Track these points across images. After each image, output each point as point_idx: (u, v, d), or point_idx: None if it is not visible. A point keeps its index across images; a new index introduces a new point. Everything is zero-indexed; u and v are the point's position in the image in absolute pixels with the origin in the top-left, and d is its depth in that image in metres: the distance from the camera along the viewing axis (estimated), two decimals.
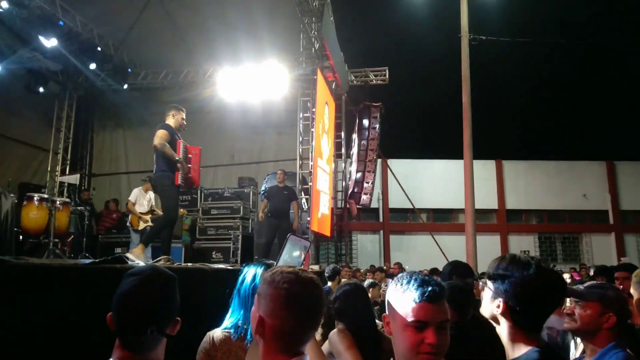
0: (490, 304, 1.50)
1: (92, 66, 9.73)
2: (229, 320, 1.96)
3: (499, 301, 1.46)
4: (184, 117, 5.62)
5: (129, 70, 10.75)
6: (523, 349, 1.41)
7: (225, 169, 12.06)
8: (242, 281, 1.98)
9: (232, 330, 1.92)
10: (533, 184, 19.76)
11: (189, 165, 5.43)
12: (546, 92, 23.91)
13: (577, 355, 2.55)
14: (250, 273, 1.98)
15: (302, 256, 1.80)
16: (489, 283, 1.52)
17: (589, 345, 1.92)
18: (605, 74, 22.81)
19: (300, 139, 10.20)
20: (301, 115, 10.20)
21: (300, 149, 10.17)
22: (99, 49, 9.75)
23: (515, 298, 1.43)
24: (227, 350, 1.87)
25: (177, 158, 5.22)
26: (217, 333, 1.94)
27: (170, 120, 5.50)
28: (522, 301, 1.42)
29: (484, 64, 15.67)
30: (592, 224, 19.73)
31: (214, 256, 9.68)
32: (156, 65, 11.21)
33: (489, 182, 19.41)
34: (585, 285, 2.05)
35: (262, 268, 1.95)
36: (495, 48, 14.15)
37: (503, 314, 1.45)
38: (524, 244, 19.37)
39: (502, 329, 1.47)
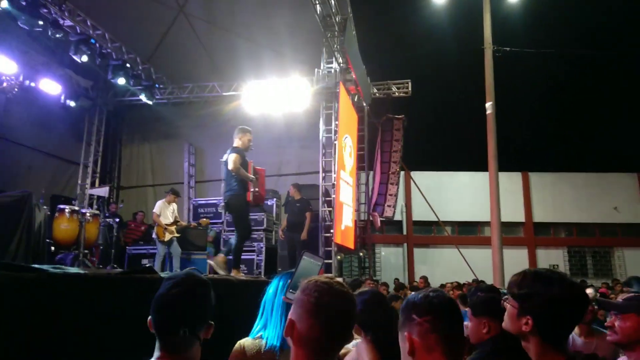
0: (516, 321, 1.52)
1: (121, 82, 10.04)
2: (258, 330, 1.97)
3: (527, 319, 1.48)
4: (250, 138, 6.01)
5: (157, 85, 11.05)
6: None
7: None
8: (270, 291, 2.00)
9: (263, 341, 1.92)
10: (561, 197, 19.32)
11: (257, 194, 5.86)
12: (573, 102, 23.43)
13: None
14: (278, 283, 2.00)
15: (317, 273, 1.79)
16: (512, 300, 1.54)
17: (632, 355, 1.92)
18: (634, 83, 22.24)
19: (323, 152, 10.24)
20: (323, 128, 10.26)
21: (323, 162, 10.21)
22: (128, 65, 10.06)
23: (543, 315, 1.46)
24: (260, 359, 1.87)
25: (251, 177, 5.69)
26: (247, 342, 1.93)
27: (238, 143, 5.92)
28: (550, 318, 1.45)
29: (508, 75, 15.49)
30: (624, 237, 19.12)
31: None
32: (182, 80, 11.47)
33: (515, 195, 19.07)
34: (624, 297, 2.07)
35: (286, 277, 1.97)
36: (520, 59, 13.98)
37: (532, 331, 1.47)
38: (552, 258, 18.89)
39: (531, 345, 1.49)
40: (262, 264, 8.82)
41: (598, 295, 6.46)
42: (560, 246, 19.46)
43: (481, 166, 13.49)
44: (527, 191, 19.50)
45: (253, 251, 9.94)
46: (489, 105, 11.90)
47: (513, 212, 18.17)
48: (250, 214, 10.22)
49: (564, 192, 19.37)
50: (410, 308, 1.34)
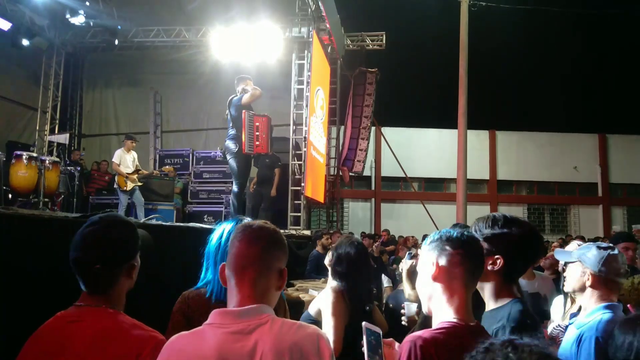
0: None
1: (80, 20, 9.38)
2: (204, 282, 1.88)
3: (496, 258, 1.54)
4: (252, 84, 6.09)
5: (119, 27, 10.40)
6: (506, 300, 1.53)
7: (217, 132, 11.89)
8: (214, 241, 1.90)
9: (207, 290, 1.84)
10: (525, 155, 19.84)
11: (257, 134, 5.88)
12: (542, 62, 23.67)
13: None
14: (220, 230, 1.91)
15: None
16: (483, 242, 1.57)
17: (583, 304, 2.01)
18: (601, 45, 22.59)
19: (294, 104, 10.04)
20: (295, 79, 10.00)
21: (294, 114, 10.03)
22: (87, 3, 9.38)
23: (513, 254, 1.54)
24: (204, 311, 1.74)
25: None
26: (191, 294, 1.86)
27: (245, 93, 5.99)
28: (519, 256, 1.55)
29: (483, 31, 15.36)
30: (581, 196, 19.97)
31: (205, 220, 9.69)
32: (147, 23, 10.85)
33: (482, 153, 19.45)
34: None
35: (233, 224, 1.89)
36: (494, 15, 13.83)
37: (497, 271, 1.54)
38: (512, 214, 19.58)
39: (490, 285, 1.56)
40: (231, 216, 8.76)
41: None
42: (521, 203, 20.18)
43: (450, 123, 13.59)
44: (493, 149, 19.91)
45: (221, 203, 9.87)
46: (462, 61, 11.84)
47: (478, 169, 18.59)
48: (220, 166, 10.11)
49: (528, 151, 19.88)
50: (444, 240, 1.43)
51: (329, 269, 2.63)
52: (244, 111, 5.75)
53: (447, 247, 1.42)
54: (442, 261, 1.41)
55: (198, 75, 11.36)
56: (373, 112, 13.90)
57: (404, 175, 16.64)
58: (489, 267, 1.53)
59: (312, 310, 2.51)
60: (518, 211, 19.87)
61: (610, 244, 2.08)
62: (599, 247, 2.00)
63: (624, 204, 19.93)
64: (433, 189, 19.78)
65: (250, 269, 1.28)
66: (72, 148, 11.31)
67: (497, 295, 1.55)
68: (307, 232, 8.83)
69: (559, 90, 23.18)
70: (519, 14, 15.49)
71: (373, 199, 19.65)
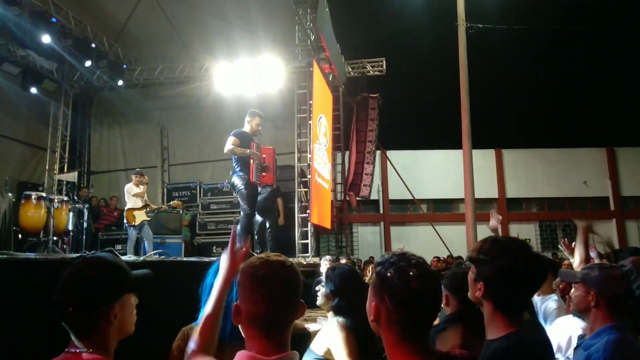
0: (473, 287, 1.52)
1: (87, 63, 9.69)
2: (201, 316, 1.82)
3: (480, 284, 1.48)
4: (259, 122, 6.12)
5: (125, 66, 10.70)
6: (502, 332, 1.43)
7: (223, 164, 12.01)
8: (209, 277, 1.86)
9: None
10: (533, 172, 19.73)
11: (264, 165, 5.98)
12: (545, 79, 23.75)
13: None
14: (218, 265, 1.82)
15: None
16: (472, 266, 1.55)
17: (589, 324, 1.96)
18: (604, 59, 22.65)
19: (298, 132, 10.15)
20: (298, 108, 10.14)
21: (298, 142, 10.13)
22: (93, 45, 9.69)
23: (494, 281, 1.45)
24: None
25: (248, 152, 5.75)
26: (191, 330, 1.76)
27: (247, 126, 6.02)
28: (502, 284, 1.45)
29: (482, 52, 15.56)
30: (593, 210, 19.72)
31: (214, 251, 9.70)
32: (152, 61, 11.15)
33: (489, 171, 19.38)
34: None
35: None
36: (493, 36, 14.05)
37: (484, 296, 1.47)
38: (524, 233, 19.36)
39: (485, 311, 1.50)
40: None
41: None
42: (532, 221, 19.95)
43: (456, 144, 13.62)
44: (500, 168, 19.84)
45: (230, 234, 9.88)
46: (462, 82, 11.96)
47: (487, 188, 18.50)
48: (227, 197, 10.15)
49: (536, 168, 19.78)
50: (386, 288, 1.23)
51: (322, 299, 2.47)
52: (252, 142, 5.85)
53: (387, 300, 1.23)
54: (382, 310, 1.24)
55: (202, 109, 11.59)
56: (377, 137, 13.99)
57: (411, 198, 16.59)
58: (477, 293, 1.49)
59: (319, 349, 2.32)
60: (530, 229, 19.64)
61: (614, 264, 2.06)
62: (602, 267, 1.97)
63: (637, 217, 19.62)
64: (442, 210, 19.67)
65: (286, 331, 1.26)
66: (81, 185, 11.47)
67: (491, 323, 1.47)
68: (317, 259, 8.78)
69: (563, 105, 23.20)
70: (518, 32, 15.70)
71: (382, 223, 19.56)
